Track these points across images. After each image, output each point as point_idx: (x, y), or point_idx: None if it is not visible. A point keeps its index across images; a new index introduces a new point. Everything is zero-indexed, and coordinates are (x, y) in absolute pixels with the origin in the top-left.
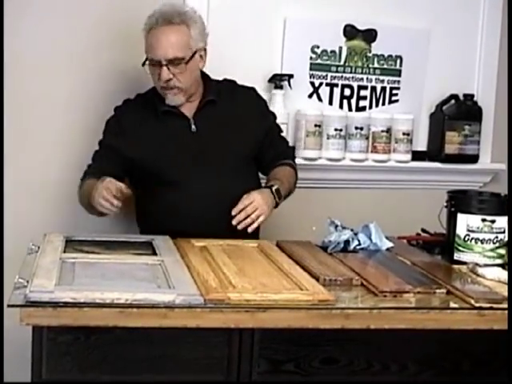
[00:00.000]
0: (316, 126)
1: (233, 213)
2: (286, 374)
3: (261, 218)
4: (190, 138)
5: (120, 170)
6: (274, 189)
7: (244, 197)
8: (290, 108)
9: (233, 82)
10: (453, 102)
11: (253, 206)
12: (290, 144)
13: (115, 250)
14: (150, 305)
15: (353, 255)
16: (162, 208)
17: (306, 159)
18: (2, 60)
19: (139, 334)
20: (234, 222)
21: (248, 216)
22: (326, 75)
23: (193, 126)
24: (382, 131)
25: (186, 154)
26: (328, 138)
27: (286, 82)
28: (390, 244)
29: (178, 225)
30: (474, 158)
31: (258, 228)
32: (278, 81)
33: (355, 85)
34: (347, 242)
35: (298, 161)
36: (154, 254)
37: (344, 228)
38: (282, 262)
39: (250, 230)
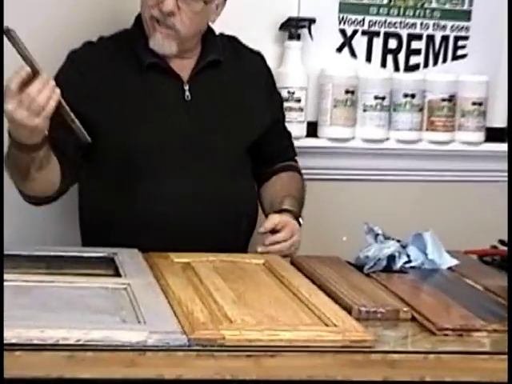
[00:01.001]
0: (348, 92)
1: (263, 230)
2: None
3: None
4: (182, 110)
5: (76, 148)
6: (301, 221)
7: (277, 218)
8: (310, 67)
9: (235, 41)
10: None
11: (290, 230)
12: (310, 120)
13: (62, 268)
14: (112, 347)
15: (400, 277)
16: (131, 211)
17: (332, 140)
18: (2, 60)
19: None
20: (259, 250)
21: (278, 242)
22: (363, 20)
23: (187, 93)
24: (443, 100)
25: (173, 132)
26: (365, 111)
27: (304, 30)
28: (453, 261)
29: (152, 237)
30: None
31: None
32: (293, 28)
33: (404, 33)
34: (392, 258)
35: (321, 142)
36: (117, 274)
37: (387, 238)
38: (298, 287)
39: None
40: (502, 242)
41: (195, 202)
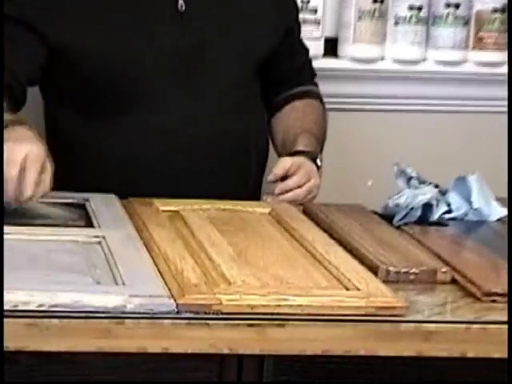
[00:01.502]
0: (375, 1)
1: (272, 177)
2: None
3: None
4: (175, 22)
5: (36, 70)
6: (318, 163)
7: (289, 162)
8: None
9: None
10: None
11: (306, 174)
12: (329, 35)
13: (22, 217)
14: (83, 314)
15: (438, 230)
16: (114, 149)
17: (356, 61)
18: (3, 63)
19: (62, 365)
20: (269, 199)
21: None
22: None
23: (180, 2)
24: (494, 11)
25: (165, 49)
26: (397, 24)
27: None
28: (503, 211)
29: (140, 182)
30: None
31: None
32: None
33: None
34: (428, 208)
35: (343, 63)
36: (90, 225)
37: (423, 183)
38: (313, 241)
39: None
40: None
41: (193, 137)
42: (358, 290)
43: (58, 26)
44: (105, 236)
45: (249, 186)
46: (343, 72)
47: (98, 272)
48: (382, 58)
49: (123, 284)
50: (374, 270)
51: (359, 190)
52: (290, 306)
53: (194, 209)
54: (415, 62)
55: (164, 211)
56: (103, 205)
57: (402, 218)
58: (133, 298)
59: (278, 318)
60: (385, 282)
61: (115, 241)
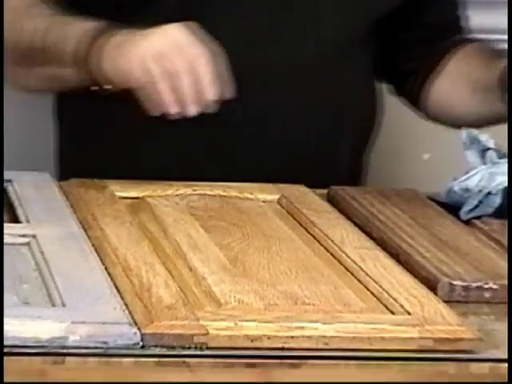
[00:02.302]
0: None
1: None
2: None
3: None
4: None
5: None
6: None
7: None
8: None
9: None
10: None
11: None
12: None
13: None
14: (5, 349)
15: None
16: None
17: None
18: (2, 56)
19: None
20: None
21: None
22: None
23: None
24: None
25: None
26: None
27: None
28: None
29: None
30: None
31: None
32: None
33: None
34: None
35: None
36: (13, 218)
37: (503, 156)
38: (342, 243)
39: None
40: None
41: (290, 118)
42: (409, 314)
43: None
44: (36, 235)
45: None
46: None
47: (25, 288)
48: None
49: (63, 305)
50: (431, 284)
51: (411, 168)
52: (309, 337)
53: (167, 195)
54: None
55: (123, 198)
56: (33, 189)
57: (472, 209)
58: (77, 325)
59: (291, 356)
60: (448, 302)
61: (51, 242)
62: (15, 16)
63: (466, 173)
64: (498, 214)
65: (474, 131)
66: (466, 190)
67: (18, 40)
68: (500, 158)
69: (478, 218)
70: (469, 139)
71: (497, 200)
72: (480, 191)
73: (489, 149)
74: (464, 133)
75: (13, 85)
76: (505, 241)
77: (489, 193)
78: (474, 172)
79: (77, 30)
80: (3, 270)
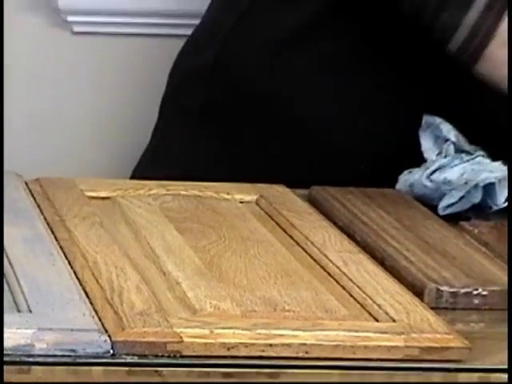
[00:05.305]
0: None
1: None
2: None
3: None
4: None
5: None
6: None
7: None
8: None
9: None
10: None
11: None
12: None
13: None
14: None
15: None
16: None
17: None
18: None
19: None
20: None
21: None
22: None
23: None
24: None
25: None
26: None
27: None
28: None
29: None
30: None
31: None
32: None
33: None
34: (490, 188)
35: None
36: None
37: (464, 152)
38: (323, 246)
39: None
40: None
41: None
42: (394, 321)
43: None
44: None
45: None
46: None
47: None
48: None
49: (29, 311)
50: (418, 290)
51: None
52: (288, 345)
53: (139, 195)
54: None
55: (92, 198)
56: None
57: (453, 204)
58: (44, 332)
59: (269, 365)
60: (435, 309)
61: (16, 244)
62: None
63: (426, 167)
64: (476, 210)
65: (438, 119)
66: (447, 181)
67: None
68: (456, 152)
69: (467, 219)
70: (427, 124)
71: (479, 195)
72: (466, 183)
73: (447, 140)
74: (425, 117)
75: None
76: (495, 245)
77: (474, 187)
78: (444, 164)
79: None
80: (3, 270)
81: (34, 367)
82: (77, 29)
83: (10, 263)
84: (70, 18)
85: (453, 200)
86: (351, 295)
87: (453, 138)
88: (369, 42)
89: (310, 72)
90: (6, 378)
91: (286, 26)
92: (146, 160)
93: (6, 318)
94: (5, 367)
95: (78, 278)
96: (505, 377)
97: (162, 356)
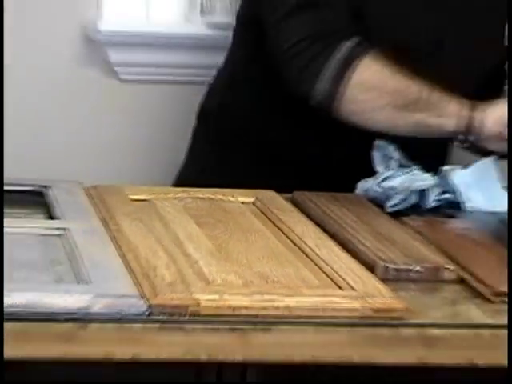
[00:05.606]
0: None
1: None
2: None
3: None
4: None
5: None
6: None
7: None
8: None
9: None
10: None
11: None
12: None
13: None
14: (42, 316)
15: (444, 222)
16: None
17: None
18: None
19: (19, 374)
20: None
21: None
22: None
23: None
24: None
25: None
26: None
27: None
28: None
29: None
30: None
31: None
32: None
33: None
34: (424, 193)
35: None
36: (50, 216)
37: (404, 165)
38: (302, 235)
39: None
40: None
41: None
42: (353, 289)
43: None
44: (67, 228)
45: None
46: None
47: (59, 269)
48: None
49: (88, 282)
50: (371, 267)
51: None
52: (277, 307)
53: (168, 198)
54: None
55: (134, 200)
56: (64, 192)
57: (396, 204)
58: (99, 298)
59: (263, 322)
60: (383, 280)
61: (79, 234)
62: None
63: (380, 176)
64: (413, 209)
65: (385, 142)
66: (391, 188)
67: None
68: (400, 167)
69: (407, 215)
70: (377, 147)
71: (414, 198)
72: (404, 190)
73: (391, 158)
74: (376, 141)
75: (357, 116)
76: (427, 234)
77: (410, 192)
78: (390, 175)
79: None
80: (3, 269)
81: (91, 324)
82: (124, 77)
83: (76, 248)
84: (119, 69)
85: (396, 201)
86: (322, 270)
87: (396, 157)
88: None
89: (258, 108)
90: (70, 331)
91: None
92: (183, 171)
93: (72, 287)
94: (70, 324)
95: (124, 258)
96: (437, 331)
97: (185, 315)
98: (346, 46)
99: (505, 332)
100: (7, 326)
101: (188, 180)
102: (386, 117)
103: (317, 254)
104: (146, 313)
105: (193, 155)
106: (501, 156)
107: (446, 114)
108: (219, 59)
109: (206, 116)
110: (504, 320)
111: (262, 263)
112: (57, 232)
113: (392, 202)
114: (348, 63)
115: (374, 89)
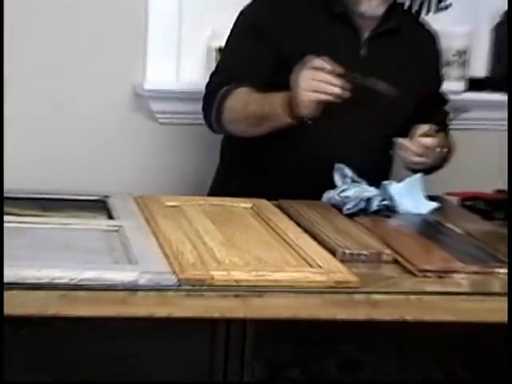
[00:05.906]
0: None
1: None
2: (289, 381)
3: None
4: (356, 65)
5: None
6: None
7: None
8: None
9: (411, 13)
10: None
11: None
12: None
13: (55, 211)
14: (104, 286)
15: (383, 221)
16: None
17: None
18: (2, 57)
19: (88, 327)
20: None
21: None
22: None
23: (363, 49)
24: None
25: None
26: None
27: None
28: (433, 205)
29: (287, 186)
30: None
31: None
32: None
33: None
34: (369, 200)
35: None
36: (110, 217)
37: (355, 181)
38: (285, 230)
39: None
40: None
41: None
42: (321, 267)
43: (286, 38)
44: (122, 225)
45: None
46: None
47: (116, 254)
48: None
49: (136, 263)
50: (332, 252)
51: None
52: (267, 280)
53: (192, 204)
54: None
55: (168, 206)
56: (120, 201)
57: (350, 208)
58: (143, 274)
59: (258, 290)
60: (342, 261)
61: (130, 229)
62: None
63: (338, 189)
64: (363, 212)
65: (342, 165)
66: (347, 197)
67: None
68: (353, 182)
69: (356, 215)
70: (336, 168)
71: (363, 204)
72: (356, 198)
73: (347, 176)
74: (335, 165)
75: (235, 133)
76: (373, 229)
77: (360, 199)
78: (345, 188)
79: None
80: (3, 267)
81: (138, 292)
82: (162, 121)
83: (127, 239)
84: (159, 115)
85: (350, 206)
86: (299, 254)
87: (350, 175)
88: None
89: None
90: (124, 298)
91: None
92: (213, 185)
93: (125, 266)
94: (124, 292)
95: (160, 246)
96: (379, 296)
97: (203, 286)
98: (224, 89)
99: (426, 297)
100: (81, 293)
101: (216, 190)
102: (245, 125)
103: (295, 243)
104: (177, 284)
105: (216, 175)
106: (425, 172)
107: (275, 104)
108: None
109: (222, 147)
110: (425, 289)
111: (257, 249)
112: (114, 228)
113: (347, 207)
114: (224, 96)
115: (233, 110)
